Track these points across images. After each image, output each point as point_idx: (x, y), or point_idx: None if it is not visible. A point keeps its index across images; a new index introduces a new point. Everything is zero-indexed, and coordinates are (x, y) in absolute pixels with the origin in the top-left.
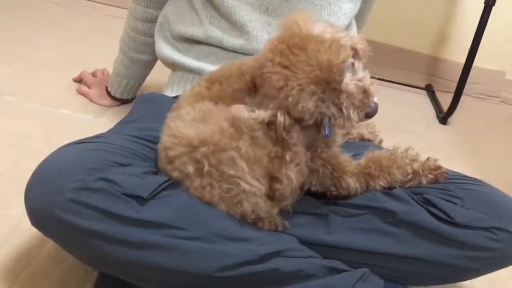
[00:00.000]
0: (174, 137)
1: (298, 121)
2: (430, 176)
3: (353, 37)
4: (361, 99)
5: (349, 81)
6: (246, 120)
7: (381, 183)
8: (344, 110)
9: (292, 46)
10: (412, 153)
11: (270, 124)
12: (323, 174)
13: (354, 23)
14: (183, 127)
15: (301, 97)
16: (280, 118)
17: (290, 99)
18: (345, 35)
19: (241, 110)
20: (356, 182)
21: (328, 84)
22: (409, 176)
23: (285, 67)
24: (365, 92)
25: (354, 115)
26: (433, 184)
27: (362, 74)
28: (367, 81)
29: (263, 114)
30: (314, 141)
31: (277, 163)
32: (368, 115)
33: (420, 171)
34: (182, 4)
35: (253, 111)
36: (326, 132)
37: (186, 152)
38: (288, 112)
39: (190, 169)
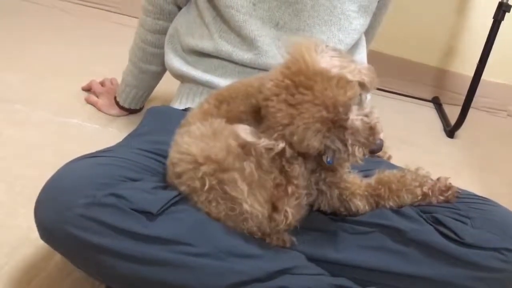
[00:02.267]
0: (180, 153)
1: (302, 154)
2: (441, 197)
3: (361, 69)
4: (366, 136)
5: (355, 118)
6: (250, 143)
7: (390, 203)
8: (349, 147)
9: (298, 84)
10: (423, 173)
11: (271, 153)
12: (331, 197)
13: (363, 37)
14: (190, 143)
15: (307, 135)
16: (281, 147)
17: (295, 137)
18: (353, 67)
19: (246, 132)
20: (365, 204)
21: (334, 122)
22: (419, 198)
23: (290, 105)
24: (371, 129)
25: (358, 152)
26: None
27: (369, 109)
28: (374, 117)
29: (266, 141)
30: (317, 166)
31: (281, 192)
32: (373, 152)
33: (430, 193)
34: (193, 17)
35: (258, 136)
36: (328, 160)
37: (192, 169)
38: (290, 145)
39: (197, 183)
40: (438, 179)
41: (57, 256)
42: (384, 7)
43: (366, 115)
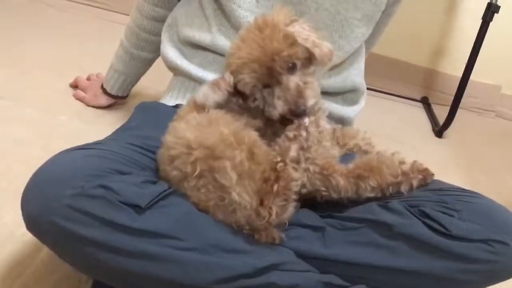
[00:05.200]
0: (176, 138)
1: (242, 95)
2: (420, 176)
3: (320, 43)
4: (292, 96)
5: (291, 78)
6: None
7: (371, 183)
8: (275, 99)
9: (256, 26)
10: (398, 157)
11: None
12: (313, 172)
13: (363, 46)
14: (186, 129)
15: (243, 69)
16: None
17: (233, 66)
18: (311, 38)
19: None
20: (345, 181)
21: (269, 70)
22: (399, 178)
23: (242, 39)
24: (300, 92)
25: (279, 105)
26: (423, 188)
27: (311, 79)
28: (309, 86)
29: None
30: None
31: (268, 187)
32: (292, 112)
33: (410, 173)
34: (193, 8)
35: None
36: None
37: (185, 153)
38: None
39: (189, 168)
40: (414, 162)
41: (43, 253)
42: (387, 17)
43: (305, 82)
